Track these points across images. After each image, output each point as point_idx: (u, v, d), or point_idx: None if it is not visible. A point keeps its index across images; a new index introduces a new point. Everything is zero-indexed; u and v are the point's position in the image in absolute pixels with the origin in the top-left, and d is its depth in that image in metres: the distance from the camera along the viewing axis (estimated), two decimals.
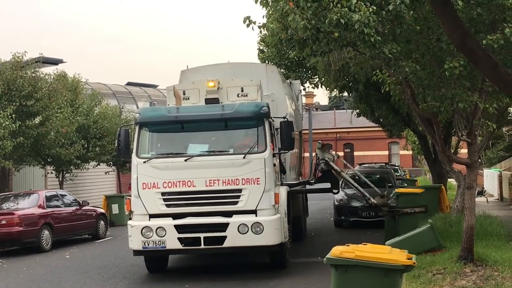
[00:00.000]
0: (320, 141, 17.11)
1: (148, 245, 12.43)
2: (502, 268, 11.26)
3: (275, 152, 12.95)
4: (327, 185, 16.27)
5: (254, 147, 12.60)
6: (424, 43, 11.31)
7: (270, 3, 12.81)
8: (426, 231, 13.54)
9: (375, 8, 10.69)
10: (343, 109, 56.36)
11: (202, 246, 12.43)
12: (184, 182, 12.47)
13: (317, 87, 25.15)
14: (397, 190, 17.11)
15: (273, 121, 13.16)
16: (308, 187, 17.54)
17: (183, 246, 12.53)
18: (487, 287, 9.97)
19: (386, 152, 61.68)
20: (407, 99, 14.00)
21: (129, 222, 12.82)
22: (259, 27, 12.60)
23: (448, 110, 12.46)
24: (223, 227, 12.30)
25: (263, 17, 14.10)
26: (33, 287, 12.92)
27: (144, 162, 12.68)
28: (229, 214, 12.39)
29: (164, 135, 13.38)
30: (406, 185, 25.18)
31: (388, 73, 13.73)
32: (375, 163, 36.52)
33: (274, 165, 12.84)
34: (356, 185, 15.94)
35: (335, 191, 16.55)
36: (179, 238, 12.40)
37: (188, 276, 13.23)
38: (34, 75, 23.76)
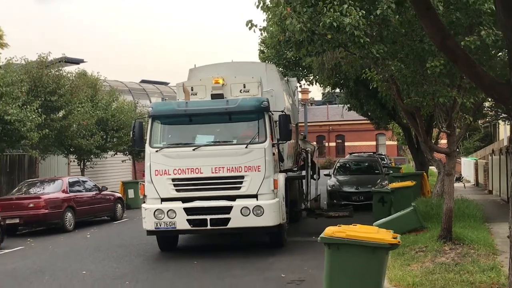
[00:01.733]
0: (302, 133, 17.20)
1: (160, 226, 12.44)
2: (477, 247, 11.29)
3: (274, 142, 12.91)
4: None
5: (255, 138, 12.56)
6: (408, 44, 11.28)
7: (270, 8, 12.77)
8: (409, 213, 13.55)
9: (364, 12, 10.66)
10: (335, 104, 56.19)
11: (209, 227, 12.43)
12: (192, 169, 12.45)
13: (312, 84, 25.06)
14: (391, 186, 17.23)
15: (272, 114, 13.12)
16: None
17: (191, 227, 12.55)
18: (464, 263, 9.98)
19: (374, 143, 61.69)
20: (393, 94, 13.97)
21: (143, 205, 12.82)
22: (260, 29, 12.57)
23: (430, 105, 12.43)
24: (227, 209, 12.29)
25: (263, 21, 14.13)
26: (57, 264, 12.94)
27: (157, 151, 12.66)
28: (232, 198, 12.37)
29: (174, 127, 13.32)
30: (391, 172, 25.18)
31: (376, 71, 13.70)
32: (364, 152, 36.55)
33: (273, 154, 12.82)
34: (310, 184, 16.01)
35: (315, 177, 16.57)
36: (188, 220, 12.40)
37: (196, 253, 13.25)
38: (57, 73, 23.73)
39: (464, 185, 30.20)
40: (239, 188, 12.39)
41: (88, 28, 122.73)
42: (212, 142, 12.97)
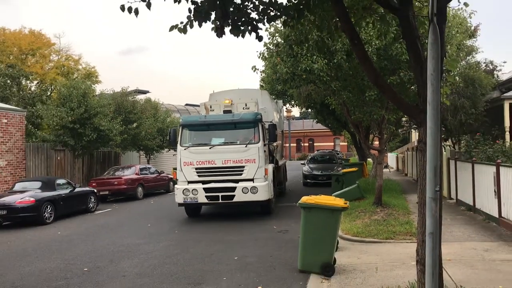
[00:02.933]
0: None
1: (187, 200, 11.95)
2: (398, 209, 11.25)
3: (265, 143, 12.51)
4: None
5: (252, 140, 12.15)
6: (354, 81, 11.26)
7: (267, 58, 12.73)
8: (355, 188, 13.50)
9: (326, 61, 10.64)
10: (308, 118, 56.22)
11: (220, 201, 11.93)
12: (209, 161, 11.96)
13: (293, 106, 25.02)
14: (343, 170, 17.13)
15: (264, 124, 12.76)
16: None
17: (208, 201, 11.98)
18: (389, 219, 9.95)
19: (332, 143, 61.47)
20: (344, 113, 13.93)
21: (175, 186, 12.27)
22: (261, 72, 12.55)
23: (368, 119, 12.41)
24: (233, 189, 11.83)
25: (262, 66, 14.07)
26: (132, 220, 12.90)
27: (185, 149, 12.14)
28: (236, 181, 11.88)
29: (197, 132, 12.67)
30: (343, 162, 25.09)
31: (334, 98, 13.66)
32: (326, 149, 36.38)
33: (264, 151, 12.42)
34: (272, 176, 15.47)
35: (276, 165, 16.22)
36: (206, 196, 11.90)
37: (214, 218, 13.03)
38: (133, 99, 23.80)
39: (390, 170, 30.14)
40: (240, 174, 11.89)
41: (154, 70, 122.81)
42: (222, 142, 12.43)
